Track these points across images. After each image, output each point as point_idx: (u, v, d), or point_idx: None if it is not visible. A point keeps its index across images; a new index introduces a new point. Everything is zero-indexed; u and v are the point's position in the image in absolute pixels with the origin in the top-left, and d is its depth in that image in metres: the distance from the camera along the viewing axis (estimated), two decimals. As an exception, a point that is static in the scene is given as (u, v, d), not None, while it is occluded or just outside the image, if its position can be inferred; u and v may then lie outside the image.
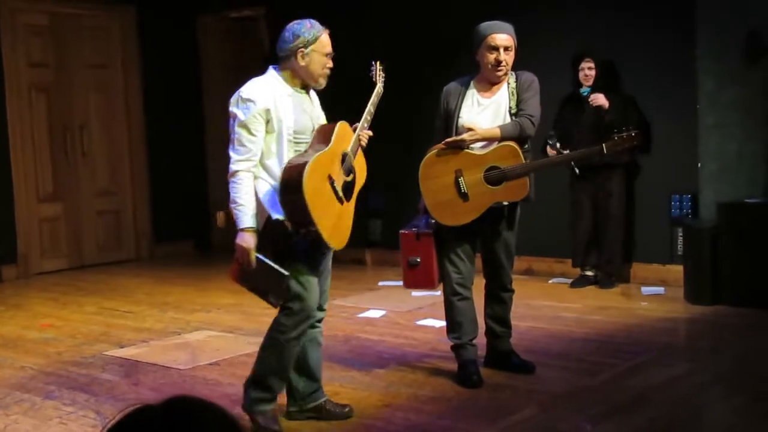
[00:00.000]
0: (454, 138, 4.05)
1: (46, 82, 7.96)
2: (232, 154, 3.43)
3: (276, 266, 3.40)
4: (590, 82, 6.14)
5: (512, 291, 4.36)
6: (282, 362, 3.54)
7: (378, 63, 3.85)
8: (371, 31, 7.56)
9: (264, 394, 3.57)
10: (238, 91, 3.48)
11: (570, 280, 6.47)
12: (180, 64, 8.77)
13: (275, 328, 3.54)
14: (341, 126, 3.54)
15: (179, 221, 8.78)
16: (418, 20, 7.33)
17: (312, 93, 3.64)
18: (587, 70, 6.13)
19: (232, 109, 3.45)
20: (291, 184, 3.34)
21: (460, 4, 6.98)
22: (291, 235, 3.43)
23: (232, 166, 3.42)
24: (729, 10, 5.76)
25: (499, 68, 4.05)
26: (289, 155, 3.44)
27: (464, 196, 4.07)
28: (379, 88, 3.76)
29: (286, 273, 3.40)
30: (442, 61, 6.79)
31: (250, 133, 3.40)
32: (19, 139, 7.73)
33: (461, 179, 4.06)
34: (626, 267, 6.38)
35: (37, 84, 7.89)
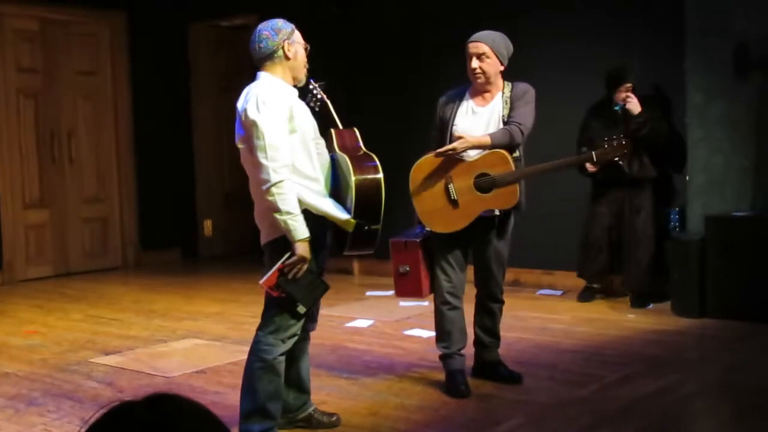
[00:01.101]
0: (445, 147, 4.04)
1: (35, 88, 7.93)
2: (266, 163, 3.16)
3: (320, 278, 3.44)
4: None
5: (502, 302, 4.34)
6: (276, 383, 3.43)
7: (317, 82, 3.67)
8: (362, 39, 7.57)
9: (267, 423, 3.42)
10: (252, 99, 3.25)
11: (559, 292, 6.46)
12: (170, 71, 8.75)
13: (261, 350, 3.40)
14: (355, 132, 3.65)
15: (166, 229, 8.76)
16: (410, 29, 7.34)
17: None
18: (625, 92, 5.85)
19: (253, 117, 3.20)
20: (374, 185, 3.46)
21: (455, 12, 7.00)
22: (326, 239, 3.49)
23: (274, 176, 3.16)
24: (717, 24, 5.78)
25: (474, 76, 4.06)
26: (314, 155, 3.39)
27: (454, 203, 4.06)
28: (326, 102, 3.65)
29: (328, 285, 3.45)
30: (433, 70, 6.80)
31: (280, 135, 3.21)
32: (6, 144, 7.69)
33: (451, 186, 4.05)
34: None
35: (25, 90, 7.86)
